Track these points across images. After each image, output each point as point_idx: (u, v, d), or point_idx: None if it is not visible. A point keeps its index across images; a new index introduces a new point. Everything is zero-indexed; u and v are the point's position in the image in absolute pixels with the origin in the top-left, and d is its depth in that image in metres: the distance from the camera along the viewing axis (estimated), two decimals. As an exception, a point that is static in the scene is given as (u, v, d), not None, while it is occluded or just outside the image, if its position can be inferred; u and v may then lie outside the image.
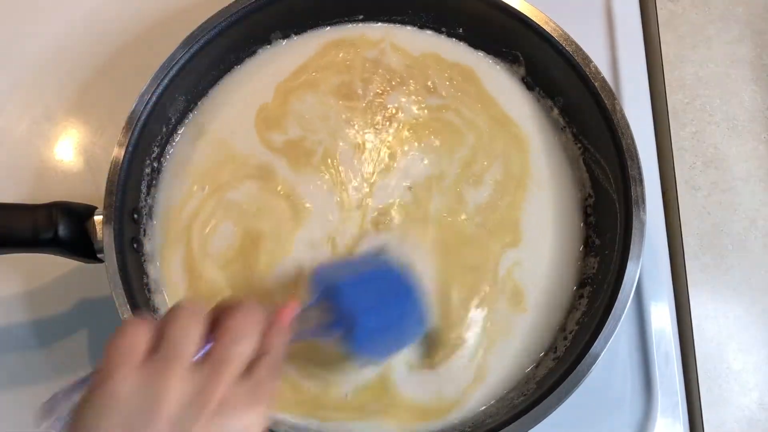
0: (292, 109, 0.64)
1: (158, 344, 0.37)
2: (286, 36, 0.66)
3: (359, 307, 0.48)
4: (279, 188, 0.61)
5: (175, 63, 0.59)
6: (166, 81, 0.58)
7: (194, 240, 0.60)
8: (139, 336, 0.37)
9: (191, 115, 0.64)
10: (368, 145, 0.62)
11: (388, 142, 0.63)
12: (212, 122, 0.64)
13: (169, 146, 0.63)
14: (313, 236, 0.60)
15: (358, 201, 0.61)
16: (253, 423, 0.38)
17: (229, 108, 0.64)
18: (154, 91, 0.58)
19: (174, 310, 0.38)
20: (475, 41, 0.66)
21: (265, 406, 0.38)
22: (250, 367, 0.39)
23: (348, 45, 0.66)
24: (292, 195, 0.61)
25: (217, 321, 0.39)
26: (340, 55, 0.66)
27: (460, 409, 0.56)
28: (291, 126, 0.63)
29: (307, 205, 0.60)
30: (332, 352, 0.55)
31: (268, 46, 0.66)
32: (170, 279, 0.60)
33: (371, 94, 0.64)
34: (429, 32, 0.67)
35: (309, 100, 0.64)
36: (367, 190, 0.61)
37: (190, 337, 0.37)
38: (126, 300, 0.53)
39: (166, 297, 0.59)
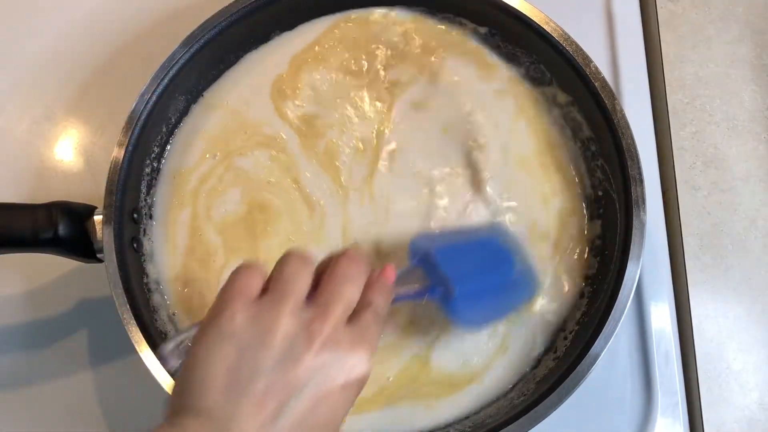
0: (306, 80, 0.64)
1: (270, 286, 0.40)
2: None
3: (456, 273, 0.49)
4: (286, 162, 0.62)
5: (175, 62, 0.59)
6: (166, 81, 0.58)
7: (200, 201, 0.61)
8: (252, 277, 0.40)
9: (201, 97, 0.64)
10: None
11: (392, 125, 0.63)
12: (226, 97, 0.64)
13: (180, 121, 0.63)
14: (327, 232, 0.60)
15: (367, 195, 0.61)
16: (357, 365, 0.39)
17: (241, 86, 0.65)
18: (154, 91, 0.58)
19: (286, 256, 0.41)
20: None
21: (369, 351, 0.40)
22: (355, 315, 0.41)
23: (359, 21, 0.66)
24: (300, 181, 0.61)
25: (324, 271, 0.41)
26: (349, 32, 0.66)
27: (481, 381, 0.57)
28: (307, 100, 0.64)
29: (321, 202, 0.61)
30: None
31: (267, 45, 0.66)
32: (173, 239, 0.60)
33: (379, 72, 0.64)
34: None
35: (320, 74, 0.65)
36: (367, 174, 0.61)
37: (300, 278, 0.40)
38: (126, 300, 0.53)
39: (166, 266, 0.60)
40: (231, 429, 0.36)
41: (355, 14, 0.66)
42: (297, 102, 0.64)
